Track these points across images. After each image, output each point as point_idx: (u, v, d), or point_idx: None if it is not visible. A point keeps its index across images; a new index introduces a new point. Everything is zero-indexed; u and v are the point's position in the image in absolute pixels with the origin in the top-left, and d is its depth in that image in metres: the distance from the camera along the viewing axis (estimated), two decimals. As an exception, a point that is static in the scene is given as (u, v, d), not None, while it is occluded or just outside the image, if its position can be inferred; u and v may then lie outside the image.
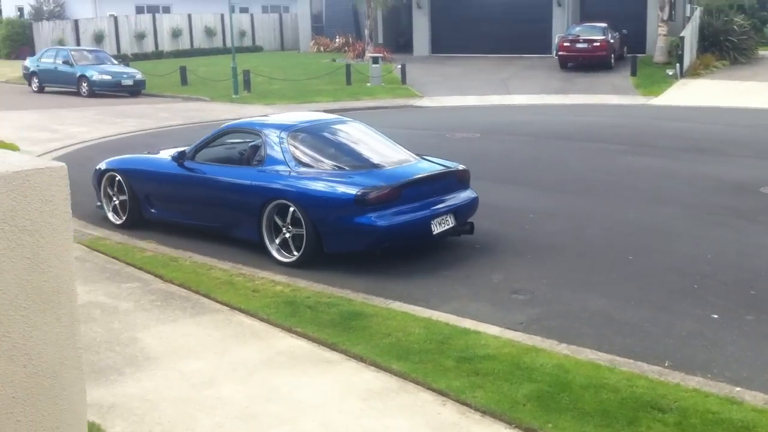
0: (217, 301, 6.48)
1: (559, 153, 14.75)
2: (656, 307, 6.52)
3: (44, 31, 38.93)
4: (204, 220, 8.71)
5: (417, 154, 8.91)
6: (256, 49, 42.97)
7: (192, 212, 8.81)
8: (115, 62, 29.50)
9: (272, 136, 8.29)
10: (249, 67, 27.74)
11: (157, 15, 40.80)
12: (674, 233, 8.86)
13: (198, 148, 8.86)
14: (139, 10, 41.52)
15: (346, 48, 37.31)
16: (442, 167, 8.52)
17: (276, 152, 8.15)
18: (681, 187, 11.42)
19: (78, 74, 27.34)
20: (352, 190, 7.55)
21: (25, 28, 40.10)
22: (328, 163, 8.14)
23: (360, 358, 5.36)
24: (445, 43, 36.03)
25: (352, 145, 8.68)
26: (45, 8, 40.94)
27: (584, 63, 29.36)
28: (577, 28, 30.62)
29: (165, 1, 43.33)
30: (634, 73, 28.02)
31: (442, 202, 8.15)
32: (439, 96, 25.69)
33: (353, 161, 8.29)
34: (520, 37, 34.23)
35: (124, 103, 25.02)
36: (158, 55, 39.11)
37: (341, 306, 6.34)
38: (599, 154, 14.59)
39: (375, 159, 8.41)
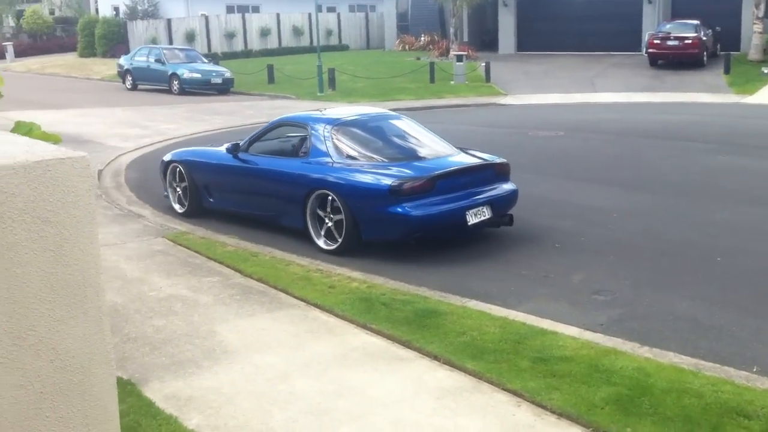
0: (294, 297, 6.54)
1: (645, 151, 14.37)
2: (744, 310, 6.27)
3: (138, 30, 40.10)
4: (256, 209, 9.15)
5: (459, 147, 9.18)
6: (342, 47, 43.32)
7: (245, 201, 9.29)
8: (206, 61, 30.18)
9: (318, 129, 8.70)
10: (334, 66, 27.99)
11: (246, 14, 41.55)
12: (764, 234, 8.52)
13: (252, 141, 9.30)
14: (230, 9, 42.36)
15: (431, 46, 37.23)
16: (479, 160, 8.81)
17: (320, 144, 8.56)
18: (775, 188, 10.97)
19: (169, 72, 28.08)
20: (388, 181, 7.88)
21: (120, 27, 41.38)
22: (368, 155, 8.49)
23: (434, 357, 5.32)
24: (530, 40, 35.61)
25: (394, 139, 9.02)
26: (139, 8, 42.16)
27: (675, 61, 28.54)
28: (668, 26, 29.79)
29: (255, 1, 44.10)
30: (727, 71, 27.07)
31: (479, 193, 8.38)
32: (523, 94, 25.37)
33: (393, 153, 8.62)
34: (608, 34, 33.56)
35: (213, 100, 25.57)
36: (247, 53, 39.82)
37: (416, 303, 6.31)
38: (687, 153, 14.15)
39: (414, 152, 8.74)
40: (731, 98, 23.68)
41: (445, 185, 8.07)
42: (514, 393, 4.77)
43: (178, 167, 9.93)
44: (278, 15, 42.16)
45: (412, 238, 8.08)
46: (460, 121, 19.36)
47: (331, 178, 8.16)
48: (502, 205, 8.57)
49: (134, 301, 6.45)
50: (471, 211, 8.16)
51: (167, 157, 10.23)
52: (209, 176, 9.62)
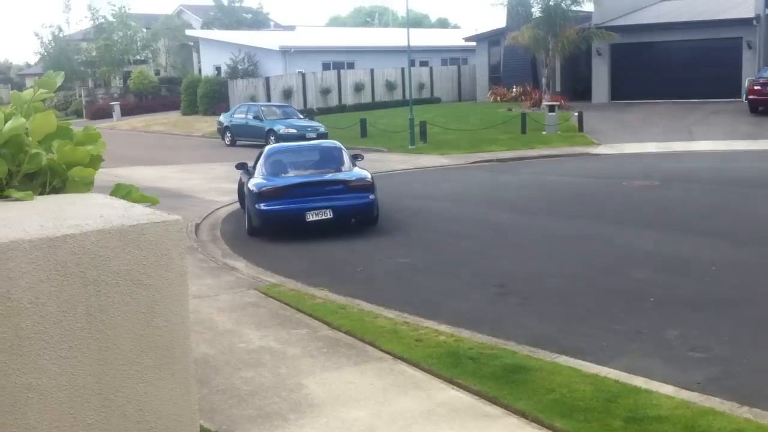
0: (381, 350, 6.53)
1: (746, 201, 13.88)
2: None
3: (238, 89, 41.46)
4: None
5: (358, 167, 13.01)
6: (434, 100, 43.70)
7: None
8: (301, 116, 30.91)
9: (263, 152, 13.48)
10: (426, 118, 28.21)
11: (341, 71, 42.50)
12: None
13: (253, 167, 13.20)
14: (326, 66, 43.40)
15: (523, 97, 37.16)
16: (325, 178, 12.38)
17: (258, 164, 12.95)
18: None
19: (266, 128, 28.86)
20: (257, 188, 11.98)
21: (221, 86, 42.87)
22: (272, 172, 12.61)
23: (522, 414, 5.22)
24: (625, 89, 35.11)
25: (294, 160, 13.32)
26: (240, 67, 43.65)
27: (777, 107, 27.62)
28: (770, 71, 28.95)
29: (350, 58, 45.07)
30: (834, 116, 26.02)
31: (323, 201, 11.90)
32: (618, 143, 24.95)
33: (281, 170, 12.72)
34: (705, 81, 32.79)
35: (307, 155, 26.04)
36: (341, 108, 40.62)
37: (504, 358, 6.21)
38: (793, 202, 13.59)
39: (295, 170, 12.85)
40: (839, 145, 22.68)
41: (293, 193, 11.94)
42: (605, 453, 4.61)
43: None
44: (372, 71, 42.95)
45: (268, 227, 11.98)
46: (551, 172, 19.16)
47: (245, 185, 12.63)
48: (345, 211, 12.04)
49: (224, 353, 6.57)
50: (311, 212, 11.83)
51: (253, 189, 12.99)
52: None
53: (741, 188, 15.30)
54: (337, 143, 14.45)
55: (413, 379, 5.91)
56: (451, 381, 5.81)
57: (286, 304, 8.04)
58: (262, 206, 11.79)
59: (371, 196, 12.10)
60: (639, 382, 5.72)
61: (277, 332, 7.10)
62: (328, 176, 12.46)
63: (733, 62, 32.45)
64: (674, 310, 7.64)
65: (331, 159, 13.22)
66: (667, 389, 5.58)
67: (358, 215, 12.23)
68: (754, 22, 31.80)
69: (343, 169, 12.79)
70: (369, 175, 12.54)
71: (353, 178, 12.31)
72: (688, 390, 5.58)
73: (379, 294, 8.49)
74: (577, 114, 28.15)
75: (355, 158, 13.66)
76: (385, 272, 9.79)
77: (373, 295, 8.38)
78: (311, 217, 11.79)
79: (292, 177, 12.54)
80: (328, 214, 11.83)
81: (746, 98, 28.99)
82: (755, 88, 28.12)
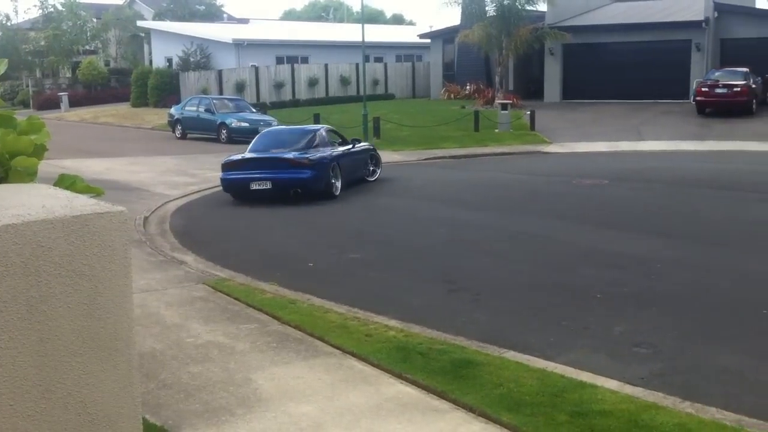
0: (330, 344, 6.52)
1: (691, 201, 14.18)
2: (792, 366, 6.09)
3: (190, 81, 40.99)
4: None
5: (302, 148, 15.34)
6: (388, 96, 43.71)
7: None
8: (254, 110, 30.69)
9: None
10: (380, 114, 28.23)
11: (295, 65, 42.25)
12: (816, 288, 8.29)
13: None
14: (279, 60, 43.10)
15: (476, 95, 37.38)
16: (269, 155, 15.03)
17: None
18: (826, 239, 10.71)
19: (218, 122, 28.60)
20: (223, 161, 15.15)
21: (173, 78, 42.33)
22: (251, 148, 15.90)
23: (469, 408, 5.25)
24: (576, 89, 35.56)
25: (270, 140, 16.19)
26: (192, 59, 43.14)
27: (723, 109, 28.23)
28: (717, 73, 29.57)
29: (304, 52, 44.81)
30: (777, 119, 26.69)
31: (266, 173, 14.49)
32: (568, 142, 25.28)
33: (256, 148, 15.74)
34: (655, 82, 33.39)
35: (259, 149, 25.90)
36: (295, 103, 40.39)
37: (453, 353, 6.25)
38: (735, 202, 13.91)
39: (263, 148, 15.61)
40: (782, 147, 23.27)
41: (247, 166, 14.67)
42: (550, 447, 4.67)
43: None
44: (326, 65, 42.80)
45: (228, 191, 14.94)
46: (503, 169, 19.33)
47: None
48: (282, 183, 14.50)
49: (172, 348, 6.50)
50: (254, 183, 14.42)
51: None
52: None
53: (687, 188, 15.61)
54: (325, 128, 17.05)
55: (362, 373, 5.91)
56: (400, 376, 5.82)
57: (235, 298, 7.97)
58: (222, 175, 14.94)
59: (309, 172, 14.44)
60: (585, 377, 5.80)
61: (226, 327, 7.04)
62: (273, 154, 15.08)
63: (682, 64, 33.08)
64: (620, 307, 7.76)
65: (300, 140, 15.70)
66: (611, 384, 5.66)
67: (296, 187, 14.58)
68: (703, 24, 32.45)
69: (303, 149, 15.21)
70: (315, 156, 14.86)
71: (293, 157, 14.71)
72: (632, 385, 5.67)
73: (330, 289, 8.47)
74: (529, 113, 28.44)
75: (356, 141, 17.23)
76: (337, 267, 9.78)
77: (324, 290, 8.36)
78: (254, 186, 14.47)
79: (250, 154, 15.30)
80: (268, 185, 14.45)
81: (694, 100, 29.58)
82: (703, 89, 28.71)
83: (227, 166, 14.85)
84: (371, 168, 17.41)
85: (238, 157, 15.13)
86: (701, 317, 7.42)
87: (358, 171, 16.78)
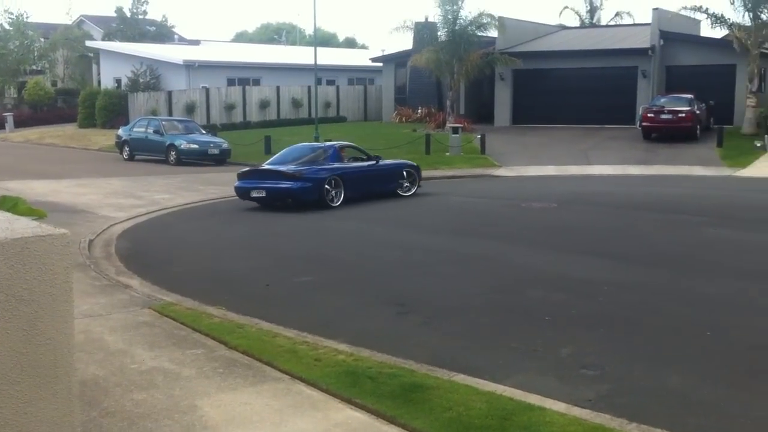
0: (279, 370, 6.43)
1: (638, 224, 14.40)
2: (735, 386, 6.18)
3: (139, 102, 40.58)
4: None
5: (301, 162, 17.24)
6: (340, 119, 43.80)
7: None
8: (204, 132, 30.46)
9: None
10: (332, 137, 28.23)
11: (247, 87, 42.12)
12: (756, 309, 8.46)
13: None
14: (230, 82, 42.93)
15: (428, 118, 37.66)
16: (265, 167, 17.45)
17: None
18: (765, 261, 10.94)
19: (167, 143, 28.32)
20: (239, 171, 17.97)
21: (121, 99, 41.86)
22: (269, 161, 18.32)
23: (418, 433, 5.21)
24: (526, 113, 36.05)
25: (284, 155, 18.14)
26: (141, 80, 42.73)
27: (669, 134, 28.85)
28: (663, 99, 30.26)
29: (255, 74, 44.72)
30: (720, 145, 27.34)
31: (263, 183, 16.66)
32: (518, 166, 25.56)
33: (271, 162, 18.07)
34: (603, 108, 34.01)
35: (210, 171, 25.75)
36: (246, 125, 40.22)
37: (403, 377, 6.21)
38: (680, 225, 14.18)
39: (276, 161, 17.83)
40: (724, 171, 23.87)
41: (252, 176, 17.12)
42: (499, 471, 4.65)
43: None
44: (278, 88, 42.75)
45: (239, 196, 17.13)
46: (453, 192, 19.44)
47: None
48: (275, 193, 16.61)
49: (115, 374, 6.35)
50: (254, 191, 16.70)
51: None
52: None
53: (634, 211, 15.87)
54: (339, 145, 18.71)
55: (311, 399, 5.84)
56: (349, 401, 5.77)
57: (181, 323, 7.83)
58: (236, 183, 17.28)
59: (299, 184, 16.34)
60: (533, 399, 5.81)
61: (172, 352, 6.91)
62: (272, 166, 17.27)
63: (628, 90, 33.77)
64: (568, 329, 7.81)
65: (306, 155, 17.75)
66: (559, 406, 5.68)
67: (287, 197, 16.60)
68: (649, 52, 33.21)
69: (305, 163, 17.19)
70: (301, 169, 16.70)
71: (285, 169, 16.69)
72: (580, 407, 5.69)
73: (279, 313, 8.38)
74: (479, 136, 28.73)
75: (378, 158, 18.99)
76: (287, 291, 9.69)
77: (273, 314, 8.27)
78: (254, 193, 16.74)
79: (264, 166, 17.74)
80: (263, 194, 16.60)
81: (640, 125, 30.17)
82: (648, 115, 29.32)
83: (239, 176, 17.25)
84: (405, 183, 18.80)
85: (248, 168, 18.05)
86: (647, 339, 7.50)
87: (382, 185, 18.30)
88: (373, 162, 18.50)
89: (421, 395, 5.82)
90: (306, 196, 16.42)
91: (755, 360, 6.81)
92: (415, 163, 20.06)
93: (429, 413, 5.50)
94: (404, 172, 18.91)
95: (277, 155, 18.40)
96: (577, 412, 5.58)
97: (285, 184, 16.45)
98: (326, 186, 16.62)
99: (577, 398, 5.90)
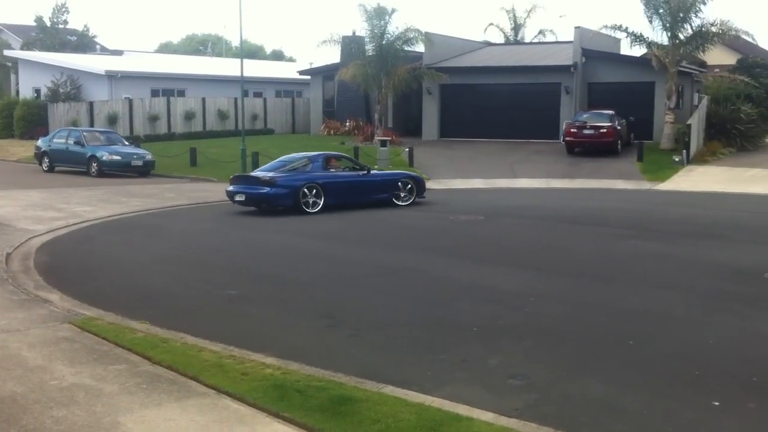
0: (205, 384, 6.31)
1: (562, 236, 14.67)
2: (656, 394, 6.32)
3: (59, 113, 39.56)
4: None
5: (284, 170, 18.27)
6: (267, 131, 43.49)
7: None
8: (126, 143, 29.86)
9: None
10: (259, 149, 28.02)
11: (171, 98, 41.46)
12: (676, 319, 8.69)
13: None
14: (155, 93, 42.20)
15: (356, 131, 37.72)
16: (247, 174, 19.37)
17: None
18: (684, 273, 11.27)
19: (88, 154, 27.67)
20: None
21: (41, 109, 40.74)
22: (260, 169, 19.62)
23: (347, 445, 5.17)
24: (453, 128, 36.44)
25: (273, 163, 19.23)
26: (61, 90, 41.66)
27: (591, 148, 29.56)
28: (585, 115, 30.99)
29: (180, 85, 44.07)
30: (640, 159, 28.13)
31: (245, 189, 17.94)
32: (446, 179, 25.80)
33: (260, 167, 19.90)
34: (528, 123, 34.66)
35: (133, 183, 25.24)
36: (170, 136, 39.58)
37: (331, 390, 6.16)
38: (603, 238, 14.50)
39: (265, 168, 18.96)
40: (644, 185, 24.55)
41: (237, 182, 18.34)
42: (428, 482, 4.64)
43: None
44: (204, 99, 42.23)
45: (229, 199, 18.33)
46: (381, 205, 19.47)
47: None
48: (253, 198, 17.79)
49: (34, 391, 6.13)
50: (237, 195, 17.96)
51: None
52: None
53: (558, 224, 16.17)
54: (327, 155, 19.59)
55: (237, 414, 5.75)
56: (277, 415, 5.69)
57: (103, 338, 7.63)
58: (227, 187, 18.64)
59: (271, 190, 17.48)
60: (461, 409, 5.83)
61: (93, 368, 6.71)
62: (254, 173, 18.89)
63: (552, 106, 34.48)
64: (495, 340, 7.89)
65: (290, 163, 18.70)
66: (487, 416, 5.72)
67: (261, 202, 17.80)
68: (572, 69, 33.98)
69: (284, 170, 18.15)
70: (275, 176, 17.78)
71: (260, 176, 18.00)
72: (507, 416, 5.74)
73: (204, 327, 8.23)
74: (408, 149, 28.90)
75: (368, 168, 19.97)
76: (213, 304, 9.52)
77: (199, 328, 8.12)
78: (237, 197, 18.05)
79: (252, 173, 19.25)
80: (243, 198, 17.92)
81: (564, 140, 30.82)
82: (572, 130, 30.00)
83: (230, 181, 18.74)
84: (402, 194, 19.47)
85: (236, 174, 19.58)
86: (572, 349, 7.63)
87: (372, 195, 19.08)
88: (364, 172, 19.36)
89: (350, 408, 5.79)
90: (280, 202, 17.64)
91: (676, 368, 6.98)
92: (415, 174, 21.03)
93: (358, 426, 5.47)
94: (399, 183, 19.60)
95: (269, 164, 19.42)
96: (504, 421, 5.63)
97: (262, 190, 17.55)
98: (304, 192, 17.70)
99: (504, 408, 5.95)
